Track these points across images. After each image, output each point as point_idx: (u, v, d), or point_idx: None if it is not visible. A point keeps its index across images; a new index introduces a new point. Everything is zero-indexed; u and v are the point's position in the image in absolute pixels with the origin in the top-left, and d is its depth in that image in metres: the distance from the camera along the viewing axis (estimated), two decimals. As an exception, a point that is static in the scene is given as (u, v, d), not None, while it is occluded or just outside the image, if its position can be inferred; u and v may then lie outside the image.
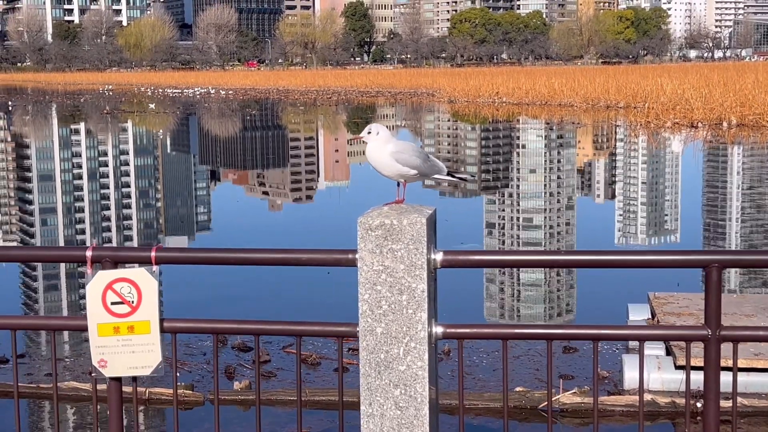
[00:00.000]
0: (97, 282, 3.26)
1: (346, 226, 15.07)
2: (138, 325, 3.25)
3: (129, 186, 22.69)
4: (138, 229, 16.43)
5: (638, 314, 7.93)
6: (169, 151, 33.32)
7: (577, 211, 17.36)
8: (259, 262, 3.22)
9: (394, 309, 3.06)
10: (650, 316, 7.87)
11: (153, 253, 3.25)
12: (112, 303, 3.25)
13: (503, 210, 17.27)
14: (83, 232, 15.92)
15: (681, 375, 6.59)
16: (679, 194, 19.59)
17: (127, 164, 27.93)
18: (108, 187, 22.31)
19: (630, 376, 6.70)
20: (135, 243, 14.91)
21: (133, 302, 3.24)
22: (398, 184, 3.29)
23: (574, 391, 6.44)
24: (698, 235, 14.53)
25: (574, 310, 9.42)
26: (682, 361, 6.57)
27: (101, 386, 3.51)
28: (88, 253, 3.27)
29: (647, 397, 6.19)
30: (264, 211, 18.94)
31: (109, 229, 16.17)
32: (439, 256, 3.09)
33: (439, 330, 3.13)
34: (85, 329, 3.28)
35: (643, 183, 21.41)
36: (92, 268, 3.28)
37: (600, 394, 6.28)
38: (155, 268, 3.25)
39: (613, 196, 19.53)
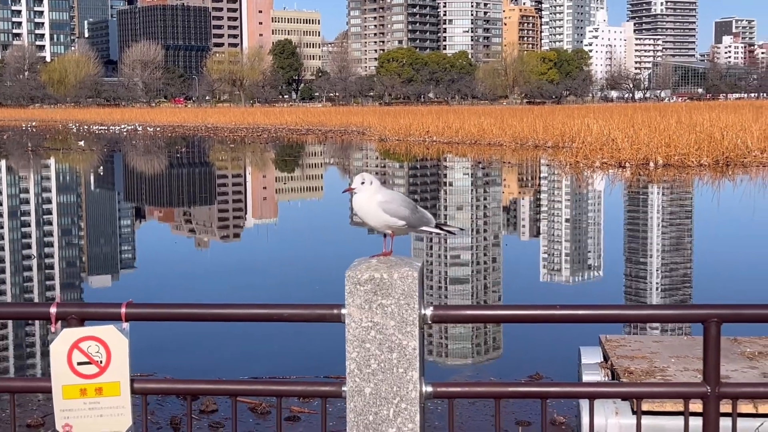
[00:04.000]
0: (62, 340, 3.04)
1: (278, 266, 14.99)
2: (107, 387, 3.04)
3: (51, 224, 22.09)
4: (60, 268, 15.97)
5: (590, 357, 7.86)
6: (93, 188, 32.66)
7: (504, 248, 17.44)
8: (238, 318, 3.05)
9: (384, 368, 2.91)
10: (603, 359, 7.82)
11: (123, 309, 3.05)
12: (79, 363, 3.04)
13: (431, 247, 17.23)
14: (3, 271, 15.41)
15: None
16: (602, 232, 19.84)
17: (50, 202, 27.26)
18: (29, 225, 21.71)
19: (587, 422, 6.61)
20: (56, 283, 14.46)
21: (101, 362, 3.03)
22: (385, 236, 3.16)
23: (533, 438, 6.33)
24: (620, 273, 14.67)
25: (524, 354, 9.36)
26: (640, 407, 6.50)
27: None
28: (53, 310, 3.05)
29: (607, 443, 6.11)
30: (191, 249, 18.61)
31: (30, 269, 15.67)
32: (429, 312, 2.95)
33: (429, 389, 2.98)
34: (48, 391, 3.06)
35: (567, 221, 21.64)
36: (57, 325, 3.07)
37: (559, 441, 6.19)
38: (125, 325, 3.05)
39: (538, 233, 19.71)
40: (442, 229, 3.27)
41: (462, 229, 19.70)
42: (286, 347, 9.45)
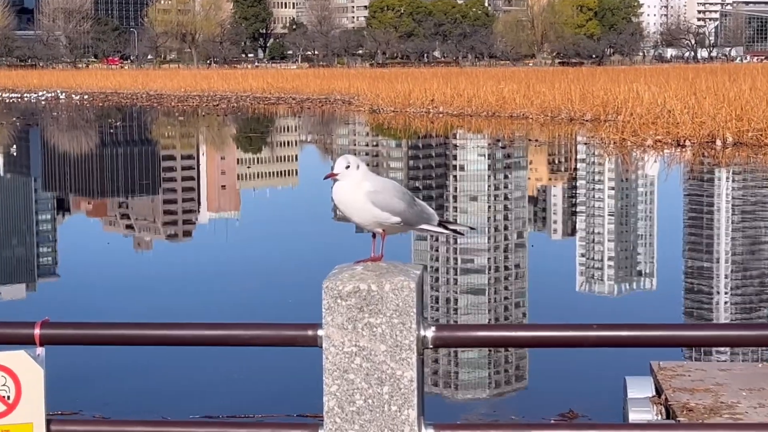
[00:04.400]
0: (-42, 371, 3.04)
1: (240, 273, 14.95)
2: (16, 430, 3.04)
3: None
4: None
5: (639, 390, 7.88)
6: (3, 173, 32.66)
7: (530, 251, 17.48)
8: (187, 342, 3.05)
9: (373, 405, 2.91)
10: (654, 393, 7.85)
11: (37, 331, 3.04)
12: (-20, 399, 3.04)
13: (437, 249, 17.25)
14: None
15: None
16: (656, 230, 19.89)
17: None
18: None
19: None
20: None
21: (8, 398, 3.03)
22: (374, 236, 3.15)
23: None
24: (679, 282, 14.70)
25: (554, 386, 9.38)
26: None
27: None
28: (-53, 331, 3.05)
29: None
30: (129, 251, 18.65)
31: None
32: (430, 333, 2.96)
33: (430, 432, 2.99)
34: (-60, 436, 3.06)
35: (610, 215, 21.68)
36: (-48, 351, 3.07)
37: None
38: (40, 350, 3.05)
39: (574, 231, 19.75)
40: (446, 227, 3.27)
41: (473, 228, 19.77)
42: (249, 378, 9.45)
